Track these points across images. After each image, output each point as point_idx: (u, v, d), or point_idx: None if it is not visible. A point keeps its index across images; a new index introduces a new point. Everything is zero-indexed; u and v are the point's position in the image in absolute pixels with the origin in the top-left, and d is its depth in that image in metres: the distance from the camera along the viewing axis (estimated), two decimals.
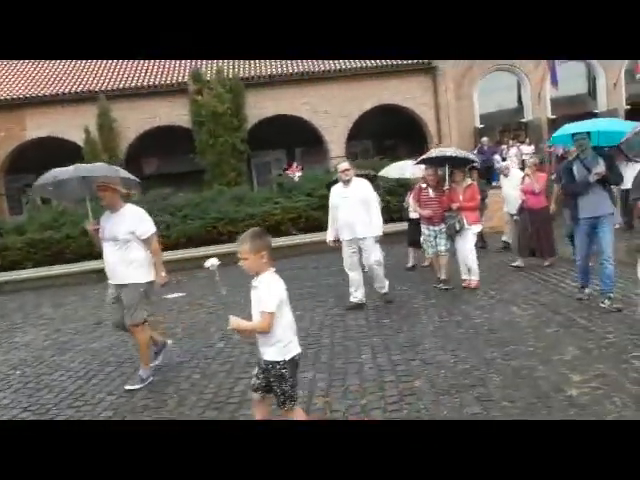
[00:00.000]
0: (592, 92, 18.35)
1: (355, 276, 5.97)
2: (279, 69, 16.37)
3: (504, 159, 16.23)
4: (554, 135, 6.08)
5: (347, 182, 5.83)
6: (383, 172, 8.97)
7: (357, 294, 6.01)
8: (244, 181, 15.82)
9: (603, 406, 3.03)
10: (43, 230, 11.25)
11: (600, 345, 4.02)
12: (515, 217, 7.85)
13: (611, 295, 4.91)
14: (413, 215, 7.59)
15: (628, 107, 17.68)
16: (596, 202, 4.86)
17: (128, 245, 4.19)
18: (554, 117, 17.56)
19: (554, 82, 15.83)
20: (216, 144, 15.19)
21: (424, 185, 6.65)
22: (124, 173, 4.61)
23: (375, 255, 5.87)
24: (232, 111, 15.37)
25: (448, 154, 6.38)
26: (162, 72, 16.55)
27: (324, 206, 10.47)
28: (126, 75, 16.59)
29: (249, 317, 2.68)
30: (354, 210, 5.72)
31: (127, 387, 4.21)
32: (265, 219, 11.54)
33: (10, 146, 15.50)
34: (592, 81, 18.32)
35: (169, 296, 8.26)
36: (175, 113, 15.78)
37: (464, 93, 17.51)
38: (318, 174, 13.28)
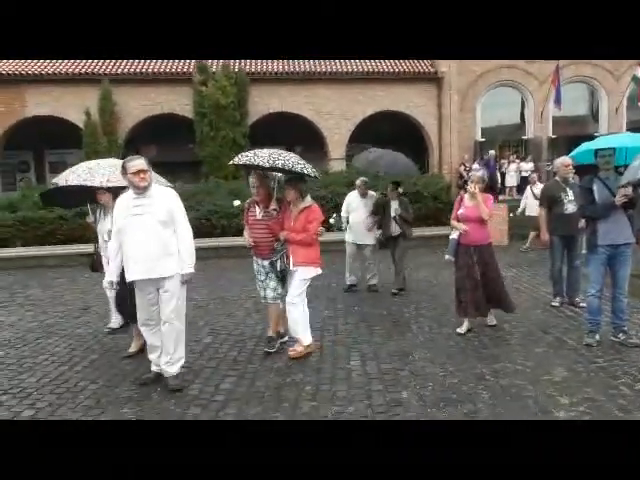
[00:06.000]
0: (595, 115, 18.49)
1: (155, 334, 3.99)
2: (286, 67, 16.32)
3: (503, 175, 16.36)
4: (574, 152, 5.78)
5: (143, 190, 3.78)
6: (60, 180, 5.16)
7: (160, 361, 4.03)
8: (242, 176, 15.78)
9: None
10: (36, 209, 11.10)
11: (589, 369, 4.02)
12: (448, 258, 5.94)
13: (625, 329, 4.60)
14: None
15: (628, 132, 17.85)
16: (619, 228, 4.43)
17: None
18: (555, 136, 17.67)
19: (557, 102, 15.93)
20: (217, 137, 15.13)
21: (242, 203, 5.03)
22: None
23: (174, 304, 3.89)
24: (235, 105, 15.31)
25: (257, 162, 4.25)
26: (167, 60, 16.43)
27: (321, 207, 10.44)
28: (130, 59, 16.46)
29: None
30: (151, 235, 3.76)
31: None
32: None
33: (9, 122, 15.31)
34: (595, 104, 18.46)
35: None
36: (178, 102, 15.70)
37: (467, 105, 17.56)
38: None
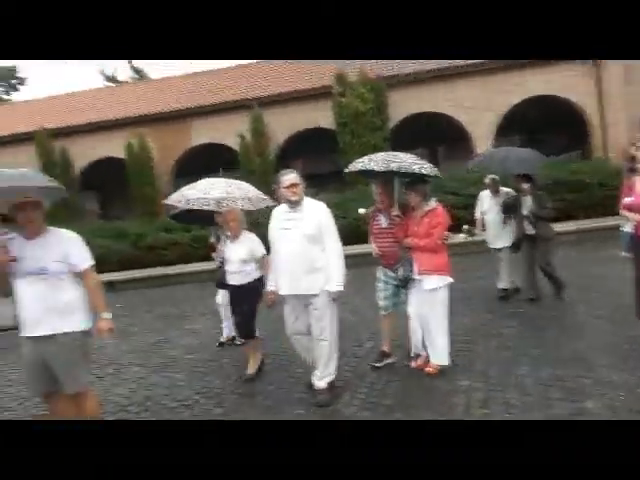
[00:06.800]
0: None
1: (302, 348, 4.08)
2: (420, 66, 16.06)
3: None
4: None
5: (295, 204, 3.85)
6: (171, 200, 5.28)
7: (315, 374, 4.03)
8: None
9: None
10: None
11: None
12: (624, 254, 5.27)
13: None
14: None
15: None
16: None
17: (60, 280, 3.13)
18: None
19: None
20: (358, 144, 15.42)
21: (363, 211, 4.76)
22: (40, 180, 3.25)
23: (324, 322, 3.85)
24: (374, 111, 15.48)
25: (371, 166, 4.14)
26: (308, 77, 17.25)
27: (470, 205, 10.10)
28: (275, 82, 17.62)
29: None
30: (299, 250, 3.77)
31: None
32: None
33: (178, 153, 17.40)
34: None
35: None
36: (320, 115, 16.35)
37: (634, 77, 15.49)
38: (462, 172, 12.82)
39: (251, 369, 4.66)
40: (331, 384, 3.99)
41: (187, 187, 5.19)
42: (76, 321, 3.16)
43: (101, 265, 3.94)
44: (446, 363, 4.23)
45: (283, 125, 16.66)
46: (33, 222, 3.09)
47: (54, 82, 50.97)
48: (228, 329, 5.77)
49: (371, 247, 4.58)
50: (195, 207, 4.92)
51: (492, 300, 6.44)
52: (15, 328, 3.34)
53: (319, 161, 17.32)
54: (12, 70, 36.37)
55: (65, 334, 3.09)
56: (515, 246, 6.32)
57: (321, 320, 3.84)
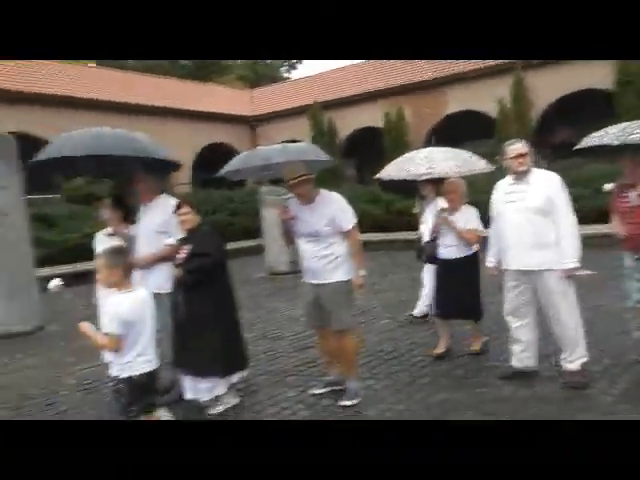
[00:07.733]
0: None
1: (520, 327, 3.80)
2: None
3: None
4: None
5: (521, 175, 3.65)
6: (383, 172, 5.36)
7: (523, 355, 3.83)
8: None
9: None
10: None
11: None
12: None
13: None
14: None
15: None
16: None
17: (330, 239, 3.62)
18: None
19: None
20: None
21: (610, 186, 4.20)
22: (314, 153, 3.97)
23: (558, 302, 3.61)
24: None
25: (604, 141, 3.71)
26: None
27: None
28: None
29: None
30: (524, 223, 3.58)
31: (342, 403, 3.67)
32: None
33: (434, 120, 17.60)
34: None
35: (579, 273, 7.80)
36: (592, 75, 14.34)
37: None
38: None
39: (440, 348, 4.54)
40: (584, 366, 3.69)
41: (404, 158, 5.34)
42: (342, 272, 3.66)
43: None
44: None
45: (549, 88, 15.23)
46: (302, 195, 3.65)
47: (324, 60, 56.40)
48: (425, 305, 5.57)
49: (614, 227, 4.04)
50: (397, 178, 5.08)
51: None
52: (288, 273, 4.03)
53: (589, 129, 15.27)
54: None
55: (335, 282, 3.64)
56: None
57: (554, 300, 3.63)
